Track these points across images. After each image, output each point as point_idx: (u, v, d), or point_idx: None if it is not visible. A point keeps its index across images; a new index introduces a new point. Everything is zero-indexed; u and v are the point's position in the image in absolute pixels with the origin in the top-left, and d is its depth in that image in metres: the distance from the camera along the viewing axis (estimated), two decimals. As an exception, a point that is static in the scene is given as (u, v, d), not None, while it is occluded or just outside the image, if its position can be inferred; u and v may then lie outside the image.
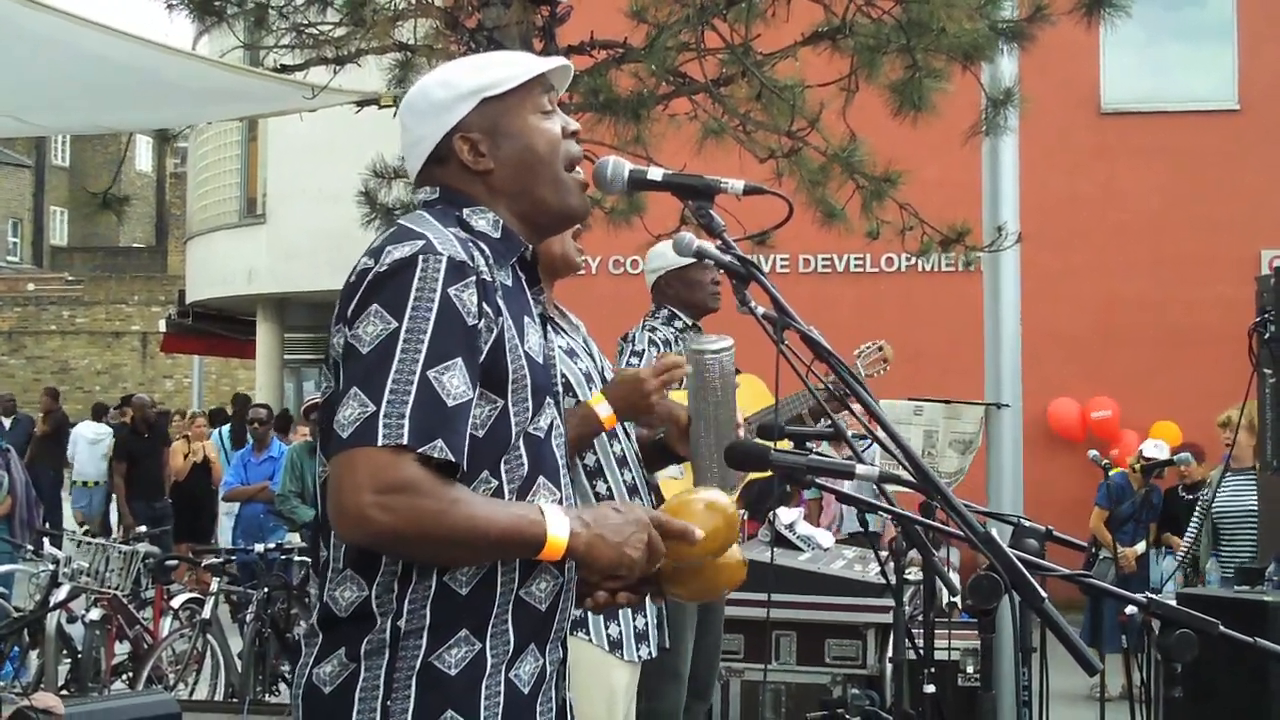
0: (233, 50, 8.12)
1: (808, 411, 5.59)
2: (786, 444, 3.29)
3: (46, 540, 9.15)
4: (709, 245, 2.64)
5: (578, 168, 2.53)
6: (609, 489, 3.85)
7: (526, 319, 2.38)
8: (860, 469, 2.47)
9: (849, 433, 2.84)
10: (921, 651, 4.51)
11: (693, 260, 2.78)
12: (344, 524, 2.14)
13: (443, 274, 2.21)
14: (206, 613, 8.41)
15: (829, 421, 2.87)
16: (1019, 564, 2.20)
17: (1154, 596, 2.37)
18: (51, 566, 8.56)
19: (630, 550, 2.31)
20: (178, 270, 31.76)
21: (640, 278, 5.49)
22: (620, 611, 3.86)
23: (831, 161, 7.70)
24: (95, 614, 8.49)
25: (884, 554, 4.79)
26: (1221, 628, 2.29)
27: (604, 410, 3.63)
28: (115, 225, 45.06)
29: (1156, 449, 9.84)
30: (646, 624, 3.95)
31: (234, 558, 9.24)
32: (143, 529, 10.57)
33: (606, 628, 3.86)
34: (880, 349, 5.87)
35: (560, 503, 2.39)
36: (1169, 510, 10.27)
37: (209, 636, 8.45)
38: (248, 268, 21.37)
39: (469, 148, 2.44)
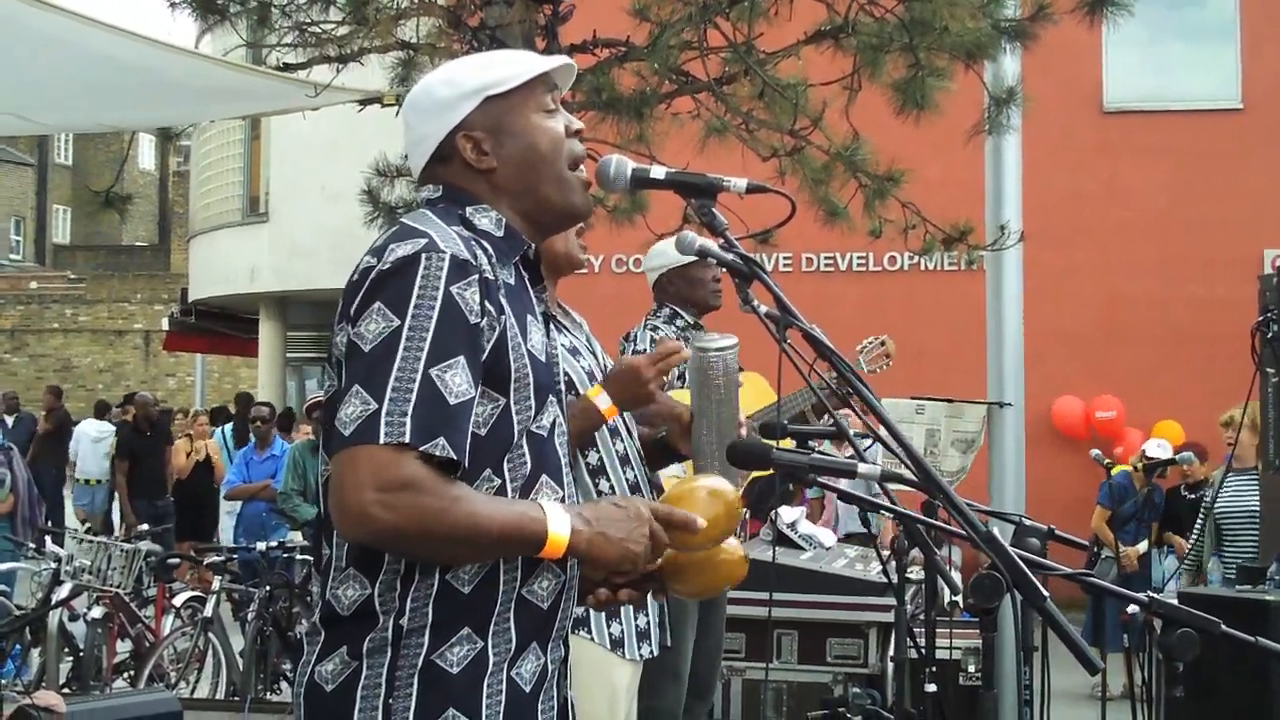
0: (235, 49, 8.12)
1: (810, 408, 5.59)
2: (789, 443, 3.29)
3: (49, 538, 9.15)
4: (712, 244, 2.64)
5: (581, 166, 2.53)
6: (612, 487, 3.85)
7: (529, 317, 2.38)
8: (862, 468, 2.47)
9: (851, 431, 2.84)
10: (923, 650, 4.50)
11: (694, 258, 2.78)
12: (346, 522, 2.14)
13: (445, 272, 2.21)
14: (208, 611, 8.41)
15: (831, 420, 2.87)
16: (1021, 563, 2.20)
17: (1155, 596, 2.36)
18: (53, 564, 8.56)
19: (632, 546, 2.31)
20: (180, 268, 31.80)
21: (642, 276, 5.48)
22: (622, 610, 3.86)
23: (834, 160, 7.70)
24: (97, 612, 8.49)
25: (885, 553, 4.78)
26: (1223, 627, 2.29)
27: (604, 402, 3.62)
28: (118, 224, 45.12)
29: (1159, 448, 9.83)
30: (648, 623, 3.95)
31: (236, 556, 9.24)
32: (145, 527, 10.58)
33: (608, 626, 3.86)
34: (883, 344, 5.87)
35: (563, 501, 2.39)
36: (1171, 510, 10.25)
37: (211, 635, 8.45)
38: (250, 266, 21.38)
39: (472, 146, 2.44)
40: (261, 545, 8.59)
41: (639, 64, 7.34)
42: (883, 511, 2.79)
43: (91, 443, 17.95)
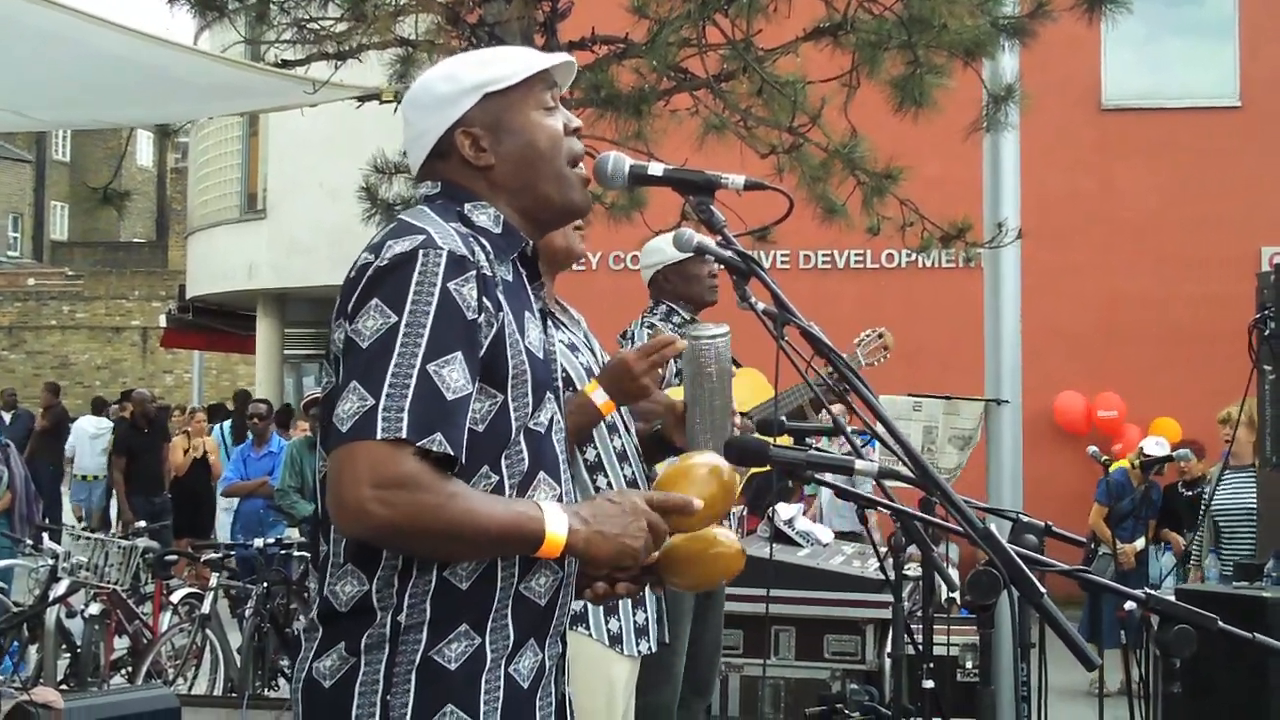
0: (234, 45, 8.11)
1: (808, 403, 5.59)
2: (786, 439, 3.29)
3: (46, 535, 9.15)
4: (710, 241, 2.64)
5: (580, 164, 2.53)
6: (609, 484, 3.85)
7: (527, 314, 2.39)
8: (859, 464, 2.47)
9: (848, 428, 2.84)
10: (920, 647, 4.51)
11: (689, 254, 2.78)
12: (343, 518, 2.15)
13: (443, 268, 2.22)
14: (206, 608, 8.41)
15: (829, 416, 2.88)
16: (1018, 559, 2.20)
17: (1153, 592, 2.37)
18: (51, 561, 8.56)
19: (630, 542, 2.31)
20: (178, 265, 31.77)
21: (640, 273, 5.48)
22: (620, 606, 3.86)
23: (832, 157, 7.70)
24: (94, 609, 8.49)
25: (883, 549, 4.79)
26: (1220, 623, 2.29)
27: (600, 397, 3.61)
28: (116, 220, 45.00)
29: (1157, 446, 9.84)
30: (646, 619, 3.95)
31: (233, 553, 9.24)
32: (142, 524, 10.57)
33: (606, 622, 3.87)
34: (880, 336, 5.87)
35: (561, 498, 2.39)
36: (1168, 506, 10.27)
37: (208, 631, 8.45)
38: (248, 263, 21.37)
39: (470, 143, 2.44)
40: (259, 542, 8.59)
41: (637, 61, 7.34)
42: (880, 508, 2.80)
43: (89, 439, 17.96)
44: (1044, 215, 12.51)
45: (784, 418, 4.10)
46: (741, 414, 5.00)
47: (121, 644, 8.96)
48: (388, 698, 2.20)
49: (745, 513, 8.06)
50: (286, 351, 23.04)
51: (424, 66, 6.84)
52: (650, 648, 3.97)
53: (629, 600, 3.86)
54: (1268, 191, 15.27)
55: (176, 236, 36.84)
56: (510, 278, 2.39)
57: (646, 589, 2.65)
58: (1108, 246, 15.60)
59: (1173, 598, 2.56)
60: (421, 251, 2.22)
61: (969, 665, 7.08)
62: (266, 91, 8.02)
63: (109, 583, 8.56)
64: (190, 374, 32.18)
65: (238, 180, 22.44)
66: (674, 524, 2.38)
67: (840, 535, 9.39)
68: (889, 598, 5.05)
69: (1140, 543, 10.15)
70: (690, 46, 7.31)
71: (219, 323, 24.59)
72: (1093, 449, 8.91)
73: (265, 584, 8.29)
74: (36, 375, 33.70)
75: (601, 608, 3.82)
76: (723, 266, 2.53)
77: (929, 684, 4.35)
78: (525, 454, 2.34)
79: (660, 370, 3.57)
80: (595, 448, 3.86)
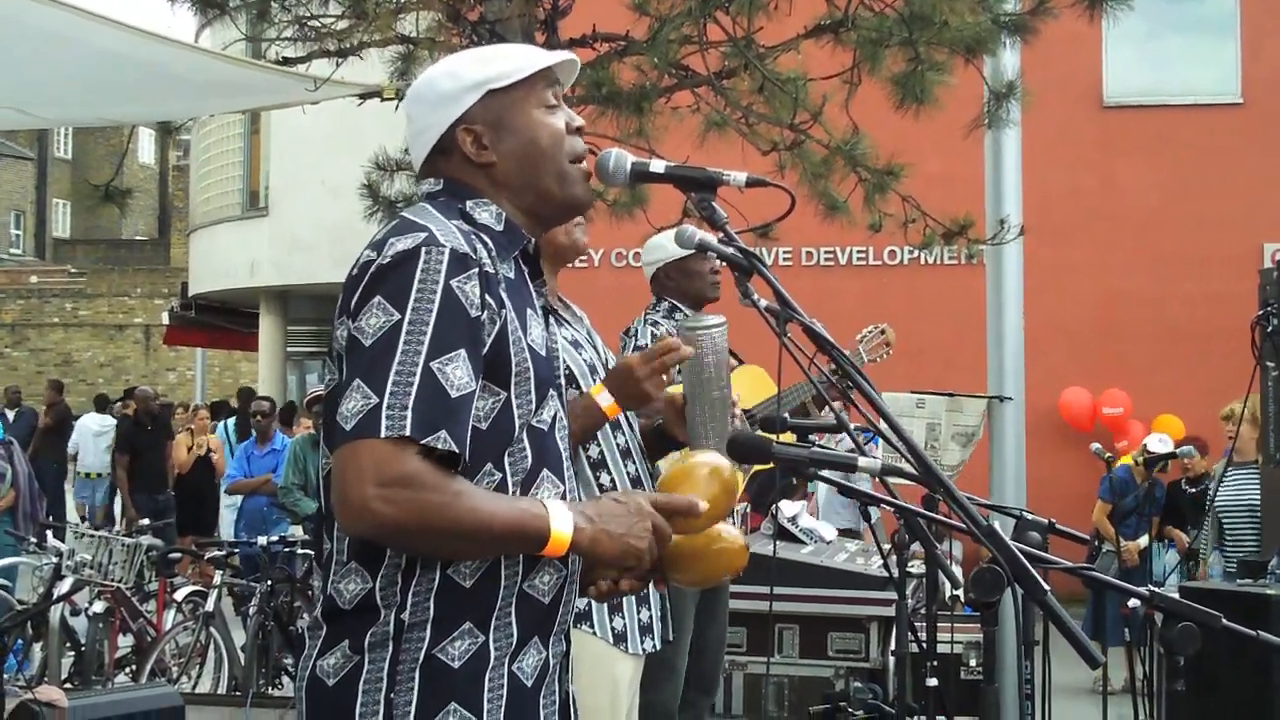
0: (235, 43, 8.10)
1: (811, 400, 5.59)
2: (789, 436, 3.29)
3: (50, 533, 9.15)
4: (711, 237, 2.64)
5: (582, 161, 2.52)
6: (613, 481, 3.85)
7: (529, 311, 2.38)
8: (863, 461, 2.47)
9: (851, 425, 2.84)
10: (924, 645, 4.50)
11: (691, 251, 2.78)
12: (347, 516, 2.15)
13: (445, 266, 2.21)
14: (210, 605, 8.41)
15: (831, 413, 2.87)
16: (1021, 557, 2.20)
17: (1156, 590, 2.37)
18: (55, 559, 8.56)
19: (635, 542, 2.31)
20: (180, 263, 31.79)
21: (642, 270, 5.48)
22: (624, 604, 3.87)
23: (834, 154, 7.69)
24: (98, 607, 8.49)
25: (885, 546, 4.79)
26: (1224, 621, 2.29)
27: (605, 400, 3.61)
28: (118, 218, 44.95)
29: (1160, 443, 9.84)
30: (651, 617, 3.95)
31: (237, 551, 9.24)
32: (146, 522, 10.57)
33: (611, 621, 3.87)
34: (883, 332, 5.87)
35: (564, 496, 2.39)
36: (1172, 504, 10.26)
37: (212, 629, 8.45)
38: (250, 260, 21.38)
39: (472, 140, 2.44)
40: (262, 540, 8.59)
41: (639, 58, 7.33)
42: (884, 505, 2.80)
43: (93, 437, 17.99)
44: (1046, 212, 12.50)
45: (786, 415, 4.09)
46: (744, 411, 5.01)
47: (125, 642, 8.96)
48: (391, 696, 2.20)
49: (749, 510, 8.05)
50: (289, 349, 23.05)
51: (425, 64, 6.84)
52: (655, 645, 3.97)
53: (633, 598, 3.86)
54: (1269, 188, 15.25)
55: (178, 234, 36.88)
56: (512, 275, 2.39)
57: (650, 586, 2.65)
58: (1109, 243, 15.59)
59: (1176, 595, 2.56)
60: (424, 249, 2.22)
61: (973, 663, 7.07)
62: (268, 89, 8.01)
63: (113, 581, 8.56)
64: (193, 371, 32.20)
65: (239, 178, 22.45)
66: (677, 526, 2.38)
67: (839, 532, 9.39)
68: (893, 595, 5.06)
69: (1144, 540, 10.14)
70: (691, 44, 7.31)
71: (221, 320, 24.60)
72: (1096, 446, 8.91)
73: (269, 582, 8.30)
74: (40, 373, 33.75)
75: (606, 606, 3.82)
76: (725, 263, 2.53)
77: (933, 682, 4.34)
78: (528, 452, 2.34)
79: (665, 375, 3.56)
80: (598, 445, 3.86)
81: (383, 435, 2.11)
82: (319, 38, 7.52)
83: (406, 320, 2.17)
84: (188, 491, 14.33)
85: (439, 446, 2.13)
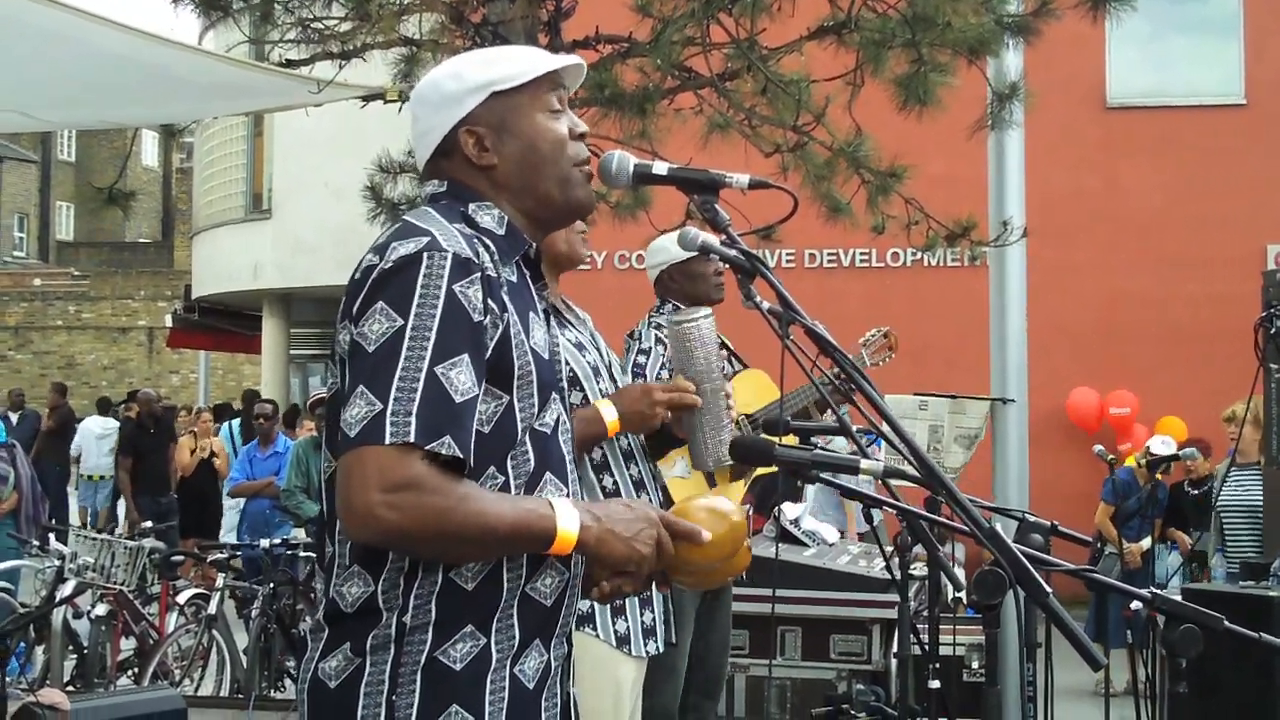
0: (238, 45, 8.12)
1: (813, 404, 5.58)
2: (792, 439, 3.29)
3: (52, 536, 9.15)
4: (714, 239, 2.64)
5: (585, 165, 2.52)
6: (615, 483, 3.86)
7: (531, 314, 2.38)
8: (865, 464, 2.47)
9: (853, 428, 2.84)
10: (926, 647, 4.50)
11: (695, 253, 2.79)
12: (352, 523, 2.15)
13: (448, 270, 2.21)
14: (212, 608, 8.41)
15: (834, 416, 2.88)
16: (1024, 559, 2.20)
17: (1159, 592, 2.37)
18: (57, 562, 8.57)
19: (640, 546, 2.31)
20: (184, 265, 31.81)
21: (645, 273, 5.48)
22: (627, 607, 3.87)
23: (837, 156, 7.69)
24: (101, 609, 8.49)
25: (889, 549, 4.79)
26: (1226, 623, 2.29)
27: (609, 415, 3.65)
28: (121, 220, 45.06)
29: (1163, 445, 9.83)
30: (654, 619, 3.95)
31: (240, 553, 9.24)
32: (148, 524, 10.57)
33: (614, 623, 3.87)
34: (886, 336, 5.87)
35: (568, 498, 2.39)
36: (1175, 505, 10.25)
37: (214, 632, 8.45)
38: (254, 263, 21.39)
39: (474, 142, 2.44)
40: (265, 542, 8.59)
41: (641, 60, 7.33)
42: (886, 508, 2.80)
43: (95, 439, 18.01)
44: (1049, 213, 12.49)
45: (789, 418, 4.10)
46: (745, 415, 5.01)
47: (128, 645, 8.96)
48: (393, 698, 2.20)
49: (751, 512, 8.05)
50: (292, 351, 23.06)
51: (428, 66, 6.83)
52: (658, 648, 3.97)
53: (636, 601, 3.87)
54: (1273, 189, 15.24)
55: (182, 236, 36.90)
56: (514, 278, 2.39)
57: (653, 589, 2.65)
58: (1113, 245, 15.57)
59: (1179, 597, 2.55)
60: (426, 254, 2.22)
61: (975, 665, 7.07)
62: (271, 91, 8.02)
63: (115, 583, 8.55)
64: (196, 374, 32.21)
65: (243, 180, 22.45)
66: (679, 550, 2.38)
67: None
68: (895, 597, 5.05)
69: (1146, 542, 10.12)
70: (694, 45, 7.31)
71: (225, 323, 24.61)
72: (1098, 448, 8.90)
73: (271, 585, 8.30)
74: (43, 375, 33.77)
75: (609, 608, 3.83)
76: (728, 265, 2.53)
77: (935, 684, 4.34)
78: (531, 455, 2.34)
79: (666, 412, 3.68)
80: (601, 447, 3.87)
81: (387, 441, 2.11)
82: (322, 40, 7.52)
83: (409, 326, 2.17)
84: (190, 494, 14.34)
85: (443, 452, 2.13)
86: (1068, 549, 3.07)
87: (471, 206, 2.42)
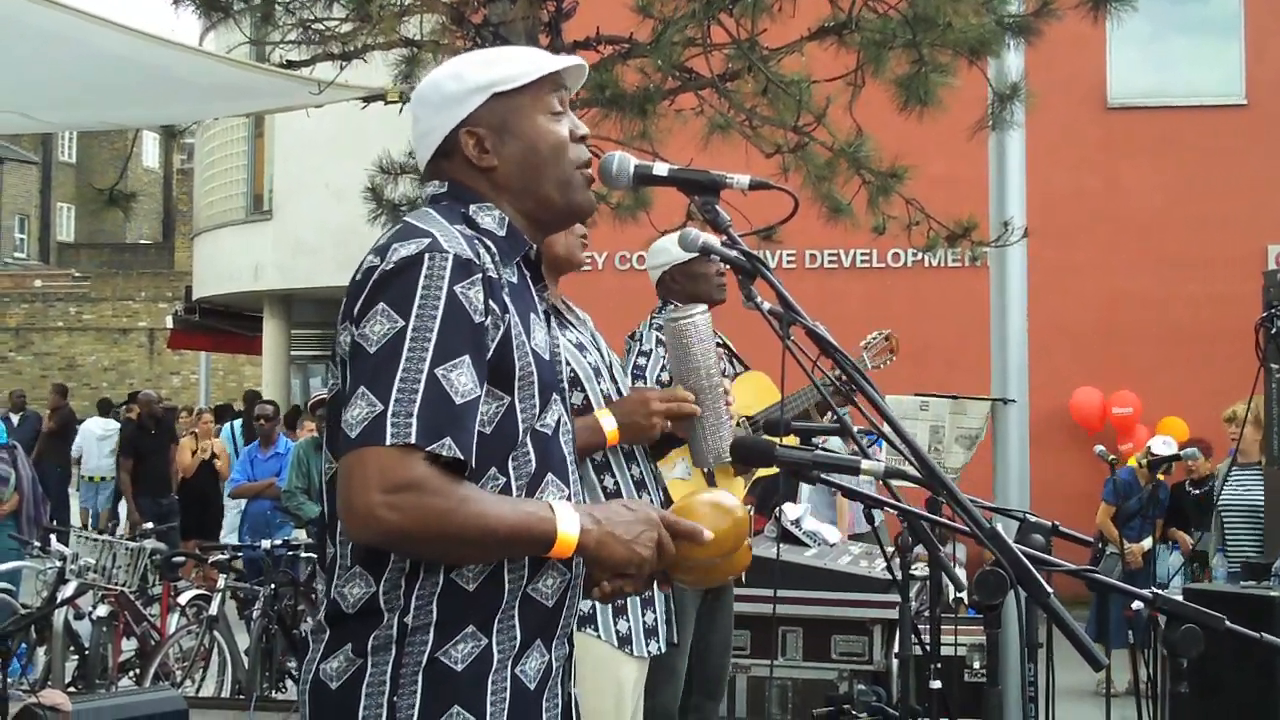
0: (239, 46, 8.13)
1: (814, 406, 5.58)
2: (793, 439, 3.29)
3: (53, 537, 9.15)
4: (714, 240, 2.64)
5: (587, 167, 2.52)
6: (616, 484, 3.85)
7: (532, 315, 2.38)
8: (866, 464, 2.47)
9: (854, 428, 2.84)
10: (927, 647, 4.50)
11: (696, 254, 2.79)
12: (353, 524, 2.15)
13: (449, 272, 2.21)
14: (213, 609, 8.41)
15: (835, 417, 2.88)
16: (1025, 559, 2.20)
17: (1160, 592, 2.37)
18: (58, 563, 8.57)
19: (640, 549, 2.31)
20: (185, 266, 31.82)
21: (646, 274, 5.48)
22: (629, 607, 3.86)
23: (838, 156, 7.69)
24: (102, 610, 8.49)
25: (890, 549, 4.78)
26: (1228, 623, 2.29)
27: (609, 425, 3.67)
28: (122, 222, 45.12)
29: (1164, 445, 9.83)
30: (656, 620, 3.94)
31: (241, 554, 9.24)
32: (149, 525, 10.57)
33: (615, 624, 3.86)
34: (887, 338, 5.87)
35: (569, 499, 2.39)
36: (1176, 506, 10.25)
37: (216, 633, 8.45)
38: (254, 264, 21.38)
39: (474, 143, 2.43)
40: (266, 543, 8.59)
41: (642, 61, 7.33)
42: (887, 508, 2.80)
43: (96, 441, 18.01)
44: (1049, 214, 12.49)
45: (789, 419, 4.11)
46: (746, 417, 5.01)
47: (129, 646, 8.96)
48: (394, 699, 2.20)
49: (752, 513, 8.05)
50: (293, 352, 23.06)
51: (429, 67, 6.84)
52: (660, 648, 3.97)
53: (638, 601, 3.87)
54: (1274, 190, 15.23)
55: (182, 238, 36.94)
56: (515, 280, 2.39)
57: (655, 589, 2.65)
58: (1113, 245, 15.57)
59: (1180, 597, 2.56)
60: (427, 255, 2.22)
61: (976, 665, 7.08)
62: (271, 92, 8.03)
63: (117, 585, 8.55)
64: (197, 375, 32.21)
65: (243, 181, 22.45)
66: (681, 550, 2.38)
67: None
68: (896, 598, 5.05)
69: (1147, 542, 10.12)
70: (695, 46, 7.31)
71: (225, 324, 24.61)
72: (1099, 448, 8.90)
73: (273, 585, 8.30)
74: (44, 377, 33.77)
75: (610, 609, 3.82)
76: (729, 266, 2.53)
77: (936, 684, 4.34)
78: (532, 456, 2.34)
79: (666, 423, 3.67)
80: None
81: (388, 443, 2.11)
82: (323, 41, 7.52)
83: (410, 327, 2.17)
84: (191, 495, 14.34)
85: (444, 454, 2.13)
86: (1069, 549, 3.07)
87: (472, 208, 2.42)
